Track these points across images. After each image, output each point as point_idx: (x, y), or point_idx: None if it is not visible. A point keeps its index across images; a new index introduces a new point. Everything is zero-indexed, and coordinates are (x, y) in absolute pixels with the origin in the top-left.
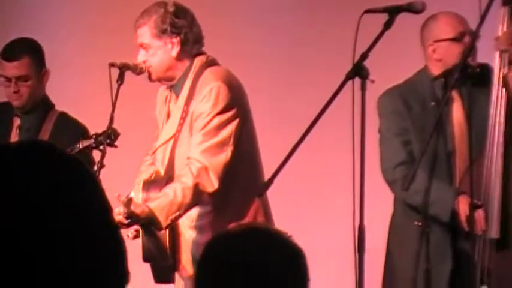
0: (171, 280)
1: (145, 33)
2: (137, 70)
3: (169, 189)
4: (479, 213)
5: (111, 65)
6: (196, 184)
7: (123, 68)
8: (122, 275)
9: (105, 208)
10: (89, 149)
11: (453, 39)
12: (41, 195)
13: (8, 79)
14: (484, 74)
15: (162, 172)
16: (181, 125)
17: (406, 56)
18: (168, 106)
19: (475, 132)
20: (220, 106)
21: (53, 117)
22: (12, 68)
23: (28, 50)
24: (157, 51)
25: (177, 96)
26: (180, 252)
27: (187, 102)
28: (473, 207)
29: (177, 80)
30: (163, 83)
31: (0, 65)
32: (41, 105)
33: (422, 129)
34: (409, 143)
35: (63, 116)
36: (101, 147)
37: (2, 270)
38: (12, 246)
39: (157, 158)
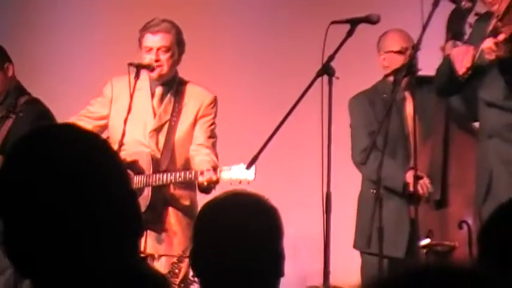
0: None
1: (169, 39)
2: (150, 68)
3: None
4: (424, 181)
5: (130, 64)
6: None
7: (139, 67)
8: (139, 224)
9: (126, 175)
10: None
11: (397, 52)
12: (78, 166)
13: None
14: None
15: (159, 155)
16: (175, 116)
17: (364, 58)
18: (149, 97)
19: (423, 123)
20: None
21: (22, 101)
22: None
23: None
24: (174, 56)
25: (164, 93)
26: (168, 213)
27: (178, 101)
28: (416, 178)
29: (168, 81)
30: (161, 79)
31: None
32: (12, 93)
33: (383, 121)
34: (372, 133)
35: (31, 99)
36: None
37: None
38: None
39: (149, 141)
